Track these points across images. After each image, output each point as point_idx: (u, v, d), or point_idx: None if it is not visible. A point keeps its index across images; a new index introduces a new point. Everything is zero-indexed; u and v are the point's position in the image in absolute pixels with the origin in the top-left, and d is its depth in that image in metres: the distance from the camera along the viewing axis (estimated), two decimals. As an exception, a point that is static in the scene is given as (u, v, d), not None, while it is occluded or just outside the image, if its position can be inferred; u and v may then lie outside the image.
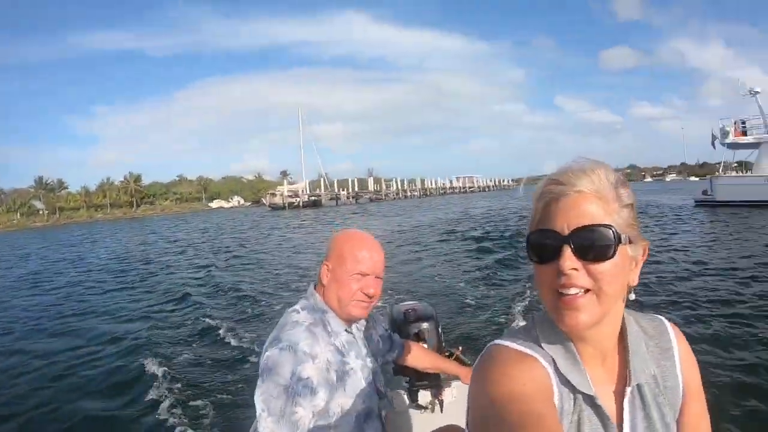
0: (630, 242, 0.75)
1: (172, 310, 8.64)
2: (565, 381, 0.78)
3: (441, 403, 2.25)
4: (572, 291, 0.73)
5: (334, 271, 1.58)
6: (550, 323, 0.81)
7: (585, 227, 0.73)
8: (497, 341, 0.83)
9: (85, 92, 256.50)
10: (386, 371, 2.19)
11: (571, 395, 0.78)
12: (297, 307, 1.60)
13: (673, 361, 0.88)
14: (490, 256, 12.28)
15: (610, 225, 0.73)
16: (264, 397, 1.38)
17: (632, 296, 0.82)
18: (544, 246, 0.75)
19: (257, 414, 1.39)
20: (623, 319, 0.84)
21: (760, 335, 5.26)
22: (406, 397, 2.41)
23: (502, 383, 0.73)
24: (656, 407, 0.83)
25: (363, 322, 1.77)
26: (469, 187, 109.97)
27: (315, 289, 1.65)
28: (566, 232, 0.73)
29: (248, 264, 14.25)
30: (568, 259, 0.72)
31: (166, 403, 4.53)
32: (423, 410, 2.31)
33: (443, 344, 2.35)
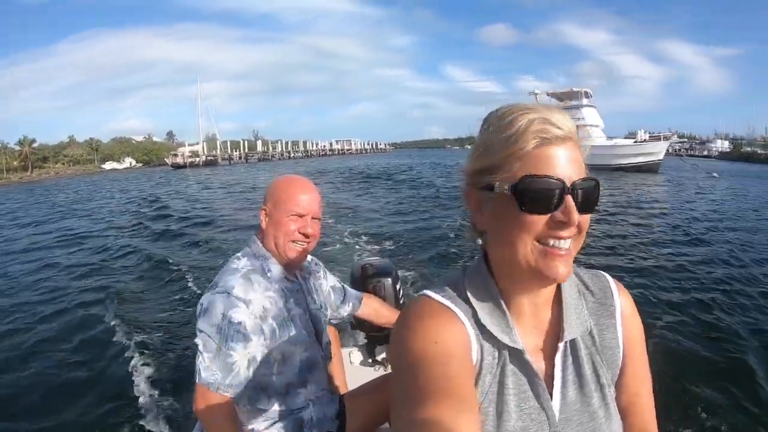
0: None
1: (126, 266, 8.67)
2: (488, 335, 0.76)
3: None
4: (564, 244, 0.71)
5: (271, 214, 1.60)
6: (480, 275, 0.79)
7: (585, 179, 0.70)
8: (425, 291, 0.81)
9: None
10: (344, 326, 2.35)
11: (495, 349, 0.77)
12: (239, 254, 1.63)
13: (613, 318, 0.84)
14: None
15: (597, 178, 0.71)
16: (201, 336, 1.45)
17: None
18: (543, 194, 0.69)
19: (198, 350, 1.45)
20: None
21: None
22: (362, 352, 2.46)
23: (414, 340, 0.72)
24: (590, 365, 0.81)
25: (311, 271, 1.82)
26: (347, 150, 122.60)
27: (256, 236, 1.66)
28: (569, 182, 0.69)
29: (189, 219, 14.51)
30: (574, 212, 0.69)
31: (129, 351, 4.68)
32: (378, 366, 2.36)
33: (401, 300, 2.33)
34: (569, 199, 0.69)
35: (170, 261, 8.38)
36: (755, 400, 3.57)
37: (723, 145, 64.71)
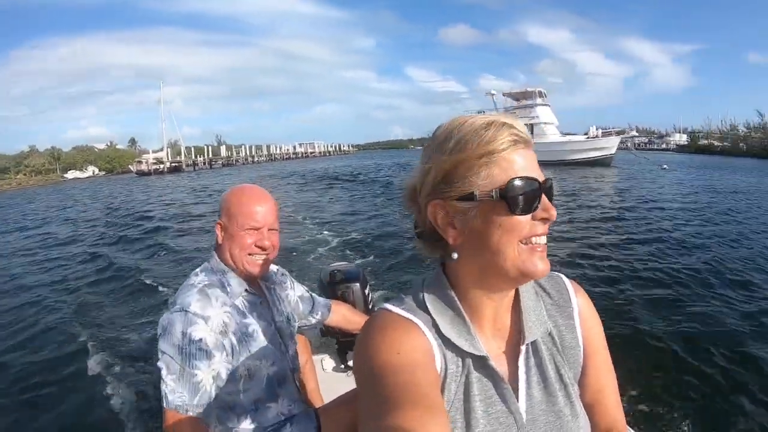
0: None
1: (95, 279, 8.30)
2: (450, 344, 0.77)
3: None
4: (543, 240, 0.74)
5: (226, 228, 1.56)
6: (439, 286, 0.80)
7: (547, 178, 0.74)
8: (384, 305, 0.82)
9: None
10: (315, 333, 2.34)
11: (458, 358, 0.78)
12: (197, 269, 1.59)
13: (571, 319, 0.86)
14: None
15: None
16: (163, 358, 1.40)
17: None
18: (528, 195, 0.71)
19: (161, 375, 1.39)
20: None
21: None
22: (334, 359, 2.48)
23: (377, 352, 0.72)
24: (553, 366, 0.83)
25: (277, 282, 1.78)
26: (311, 152, 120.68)
27: (215, 250, 1.62)
28: (541, 180, 0.72)
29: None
30: (552, 208, 0.73)
31: (95, 363, 4.53)
32: (351, 372, 2.28)
33: (371, 305, 2.33)
34: (544, 196, 0.73)
35: (142, 273, 8.05)
36: (719, 388, 3.60)
37: (681, 139, 66.45)
